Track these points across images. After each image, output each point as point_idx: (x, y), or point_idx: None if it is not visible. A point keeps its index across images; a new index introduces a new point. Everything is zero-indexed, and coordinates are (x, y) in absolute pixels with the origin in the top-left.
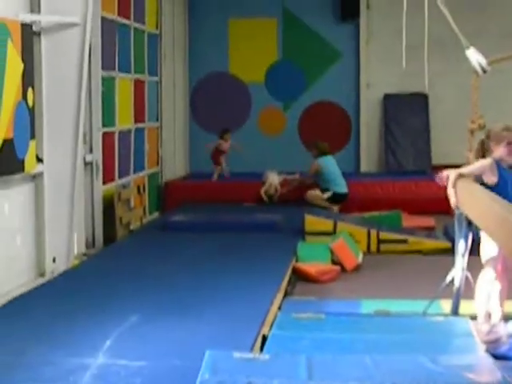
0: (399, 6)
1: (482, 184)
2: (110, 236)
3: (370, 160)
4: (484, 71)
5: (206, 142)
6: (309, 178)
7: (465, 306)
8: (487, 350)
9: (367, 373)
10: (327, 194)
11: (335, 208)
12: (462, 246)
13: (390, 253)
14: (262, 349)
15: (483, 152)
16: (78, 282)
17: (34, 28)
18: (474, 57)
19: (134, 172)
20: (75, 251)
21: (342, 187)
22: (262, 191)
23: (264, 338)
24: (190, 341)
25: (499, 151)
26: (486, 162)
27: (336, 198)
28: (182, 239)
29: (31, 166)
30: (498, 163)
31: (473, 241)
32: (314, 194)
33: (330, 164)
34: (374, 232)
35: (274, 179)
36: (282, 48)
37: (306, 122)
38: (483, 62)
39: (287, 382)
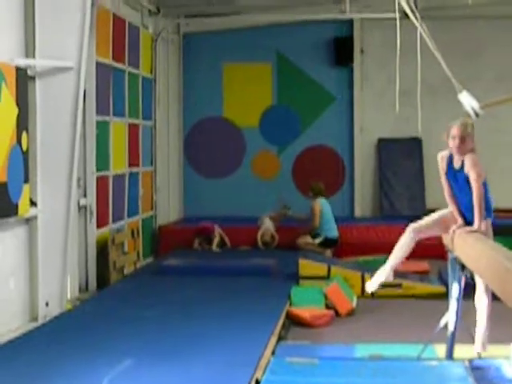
0: (392, 51)
1: None
2: (103, 280)
3: (364, 204)
4: (477, 115)
5: (201, 187)
6: (309, 221)
7: (459, 351)
8: None
9: None
10: (318, 240)
11: (328, 252)
12: (455, 290)
13: (384, 297)
14: None
15: None
16: (71, 327)
17: (29, 72)
18: (467, 101)
19: (128, 216)
20: (68, 295)
21: (333, 231)
22: (258, 236)
23: (257, 383)
24: None
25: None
26: (443, 152)
27: (327, 243)
28: (176, 283)
29: (25, 209)
30: (451, 158)
31: (466, 284)
32: (305, 240)
33: (325, 206)
34: (368, 276)
35: (269, 224)
36: (276, 92)
37: (300, 166)
38: (476, 105)
39: None
